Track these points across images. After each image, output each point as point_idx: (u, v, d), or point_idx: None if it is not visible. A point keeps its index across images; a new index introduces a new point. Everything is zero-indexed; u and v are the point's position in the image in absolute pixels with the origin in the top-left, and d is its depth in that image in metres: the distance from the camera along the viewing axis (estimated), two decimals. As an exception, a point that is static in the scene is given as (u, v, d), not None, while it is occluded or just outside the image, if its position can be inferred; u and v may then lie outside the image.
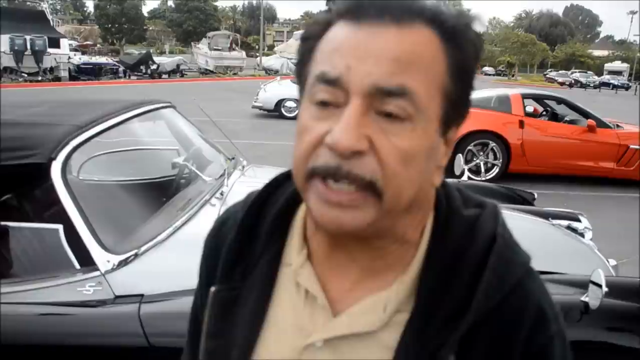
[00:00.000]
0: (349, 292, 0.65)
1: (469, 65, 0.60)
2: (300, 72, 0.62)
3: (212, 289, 0.71)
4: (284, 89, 14.04)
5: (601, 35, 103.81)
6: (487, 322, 0.60)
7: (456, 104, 0.59)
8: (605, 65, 62.37)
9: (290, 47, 35.56)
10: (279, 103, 13.79)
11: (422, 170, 0.58)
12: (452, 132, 0.62)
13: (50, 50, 22.29)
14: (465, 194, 0.70)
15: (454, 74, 0.58)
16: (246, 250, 0.71)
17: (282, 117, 13.57)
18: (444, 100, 0.58)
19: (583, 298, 1.79)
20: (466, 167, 7.23)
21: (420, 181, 0.59)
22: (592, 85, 46.20)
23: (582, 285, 1.86)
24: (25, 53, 21.60)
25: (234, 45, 33.43)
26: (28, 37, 21.40)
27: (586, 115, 8.10)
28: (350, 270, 0.65)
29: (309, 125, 0.58)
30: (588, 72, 55.74)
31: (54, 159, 1.92)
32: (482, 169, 7.67)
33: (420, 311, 0.61)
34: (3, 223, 2.30)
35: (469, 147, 7.57)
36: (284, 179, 0.74)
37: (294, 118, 13.41)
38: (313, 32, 0.60)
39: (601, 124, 7.91)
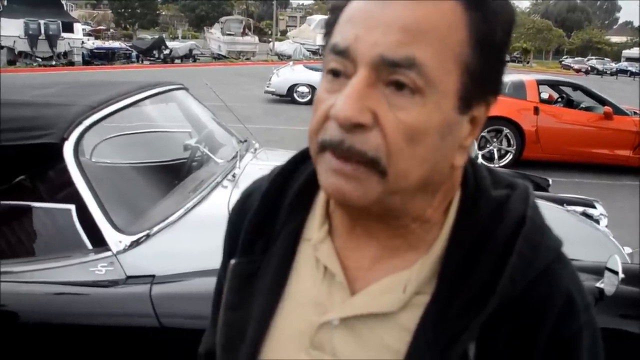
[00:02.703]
0: (367, 271, 0.63)
1: (498, 38, 0.55)
2: (325, 45, 0.60)
3: (232, 261, 0.71)
4: (297, 74, 14.02)
5: (620, 21, 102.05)
6: (512, 309, 0.57)
7: (480, 78, 0.55)
8: (623, 51, 61.33)
9: (303, 33, 35.44)
10: (292, 88, 13.76)
11: (436, 149, 0.55)
12: (478, 110, 0.58)
13: (64, 34, 22.34)
14: (495, 175, 0.66)
15: (477, 46, 0.54)
16: (268, 223, 0.70)
17: (294, 102, 13.54)
18: (463, 75, 0.54)
19: (598, 284, 1.76)
20: (480, 154, 7.19)
21: (432, 160, 0.55)
22: (609, 72, 45.50)
23: (597, 271, 1.83)
24: (40, 37, 21.67)
25: (246, 30, 33.32)
26: (42, 22, 21.45)
27: (603, 102, 7.99)
28: (370, 248, 0.63)
29: (321, 97, 0.56)
30: (605, 59, 54.89)
31: (67, 139, 1.93)
32: (496, 156, 7.62)
33: (442, 294, 0.59)
34: (17, 203, 2.32)
35: (482, 134, 7.50)
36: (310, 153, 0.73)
37: (306, 103, 13.58)
38: (339, 4, 0.58)
39: (618, 111, 7.79)
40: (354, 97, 0.52)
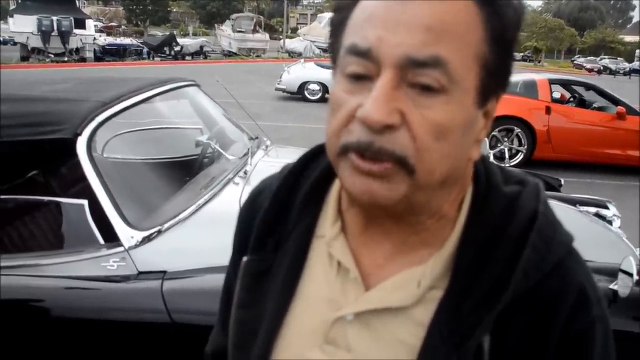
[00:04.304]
0: (381, 267, 0.64)
1: (509, 33, 0.56)
2: (333, 45, 0.60)
3: (244, 259, 0.71)
4: (308, 71, 14.02)
5: (634, 20, 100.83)
6: (525, 303, 0.58)
7: (495, 73, 0.56)
8: (637, 51, 60.60)
9: (313, 30, 35.35)
10: (302, 86, 13.77)
11: (458, 145, 0.56)
12: (491, 104, 0.59)
13: (76, 31, 22.48)
14: (506, 171, 0.67)
15: (492, 42, 0.55)
16: (280, 221, 0.70)
17: (305, 99, 13.55)
18: (481, 70, 0.55)
19: (612, 286, 1.74)
20: (491, 153, 7.15)
21: (455, 156, 0.56)
22: (621, 71, 45.08)
23: (611, 273, 1.82)
24: (52, 34, 21.81)
25: (257, 28, 33.36)
26: (55, 18, 21.58)
27: (616, 102, 7.92)
28: (384, 245, 0.64)
29: (341, 99, 0.56)
30: (618, 58, 54.41)
31: (80, 134, 1.94)
32: (507, 155, 7.57)
33: (456, 288, 0.59)
34: (30, 198, 2.33)
35: (493, 133, 7.47)
36: (321, 151, 0.72)
37: (317, 101, 13.58)
38: (345, 4, 0.58)
39: (631, 111, 7.71)
40: (384, 100, 0.52)
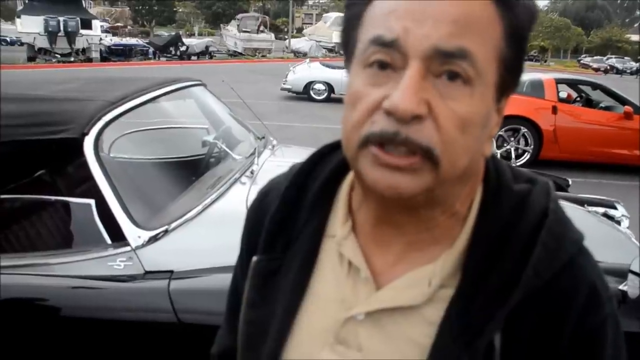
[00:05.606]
0: (393, 266, 0.63)
1: (524, 30, 0.58)
2: (347, 39, 0.60)
3: (254, 259, 0.71)
4: (313, 71, 14.04)
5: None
6: (536, 300, 0.58)
7: (510, 70, 0.58)
8: (644, 51, 60.36)
9: (319, 30, 35.43)
10: (308, 85, 13.79)
11: (477, 139, 0.57)
12: (504, 101, 0.60)
13: (82, 31, 22.59)
14: (515, 170, 0.67)
15: (509, 38, 0.56)
16: (289, 220, 0.70)
17: (310, 99, 13.56)
18: (500, 66, 0.56)
19: (621, 287, 1.73)
20: (498, 152, 7.12)
21: (474, 149, 0.57)
22: (628, 71, 44.88)
23: (620, 274, 1.80)
24: (59, 34, 21.92)
25: (262, 28, 33.44)
26: (61, 19, 21.69)
27: (623, 101, 7.87)
28: (396, 243, 0.63)
29: (363, 91, 0.56)
30: (625, 57, 54.17)
31: (87, 134, 1.94)
32: (513, 155, 7.55)
33: (466, 287, 0.59)
34: (37, 197, 2.34)
35: (499, 133, 7.43)
36: (329, 150, 0.73)
37: (323, 101, 13.57)
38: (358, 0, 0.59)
39: (639, 111, 7.66)
40: (413, 89, 0.52)
